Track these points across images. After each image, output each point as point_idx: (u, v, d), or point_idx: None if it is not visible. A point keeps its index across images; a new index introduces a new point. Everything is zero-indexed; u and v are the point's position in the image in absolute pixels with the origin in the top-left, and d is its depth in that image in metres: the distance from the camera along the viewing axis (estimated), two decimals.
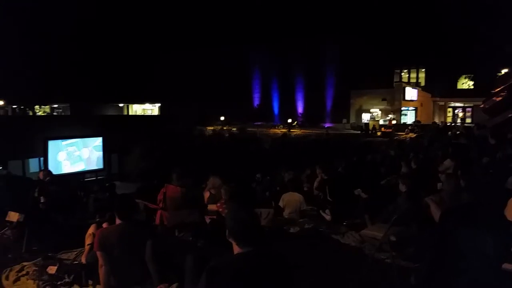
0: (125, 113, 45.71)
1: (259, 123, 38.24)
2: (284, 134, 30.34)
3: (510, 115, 11.33)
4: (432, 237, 3.93)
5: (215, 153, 20.02)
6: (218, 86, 39.24)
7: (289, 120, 36.80)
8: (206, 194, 6.41)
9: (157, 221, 4.96)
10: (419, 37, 32.65)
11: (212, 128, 33.97)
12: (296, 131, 33.45)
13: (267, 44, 41.11)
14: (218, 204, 5.92)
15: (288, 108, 41.93)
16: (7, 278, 3.96)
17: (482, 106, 14.21)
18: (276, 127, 36.08)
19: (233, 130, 31.74)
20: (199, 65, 39.27)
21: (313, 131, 32.12)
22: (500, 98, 12.52)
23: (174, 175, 5.20)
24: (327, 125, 37.07)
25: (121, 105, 45.65)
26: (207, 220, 5.40)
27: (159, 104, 45.68)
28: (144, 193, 6.76)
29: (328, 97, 41.34)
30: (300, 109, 43.26)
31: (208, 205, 5.95)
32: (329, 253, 5.24)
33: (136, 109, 47.61)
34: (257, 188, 9.93)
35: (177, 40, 40.99)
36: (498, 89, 13.06)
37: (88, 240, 4.23)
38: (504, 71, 15.67)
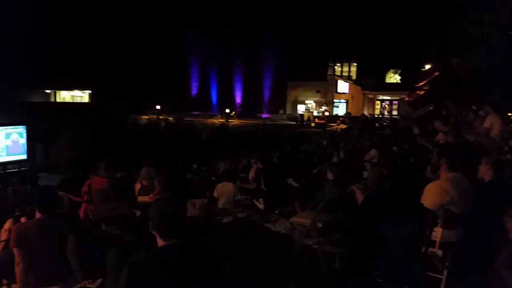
0: (52, 100, 43.03)
1: (196, 112, 37.76)
2: (222, 124, 30.27)
3: (431, 108, 12.13)
4: (355, 222, 4.14)
5: (151, 143, 19.47)
6: (154, 74, 38.03)
7: (227, 110, 36.76)
8: (137, 186, 6.22)
9: (81, 214, 4.72)
10: (351, 32, 33.99)
11: (147, 117, 32.95)
12: (234, 121, 33.52)
13: (205, 31, 40.51)
14: (151, 195, 5.78)
15: (226, 98, 41.84)
16: None
17: (406, 99, 15.14)
18: (214, 117, 35.90)
19: (170, 120, 31.04)
20: (133, 51, 37.72)
21: (251, 122, 32.40)
22: (422, 92, 13.39)
23: (101, 166, 4.98)
24: (264, 115, 37.57)
25: (48, 91, 42.85)
26: (137, 213, 5.25)
27: (90, 91, 43.43)
28: (68, 185, 6.40)
29: (265, 88, 41.83)
30: (238, 99, 43.34)
31: (139, 197, 5.78)
32: (260, 241, 5.34)
33: (64, 96, 44.95)
34: (193, 178, 9.85)
35: (110, 23, 38.92)
36: (422, 83, 13.97)
37: (3, 236, 3.97)
38: (427, 66, 16.85)
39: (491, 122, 6.58)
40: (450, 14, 14.53)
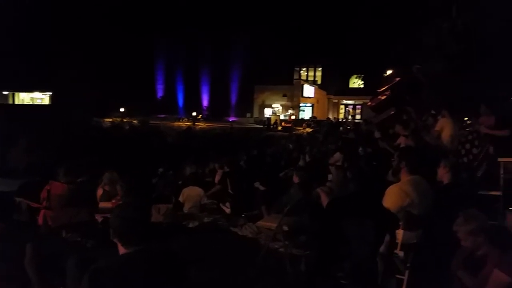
0: (10, 102, 41.18)
1: (162, 115, 37.21)
2: (189, 127, 29.99)
3: (392, 112, 12.46)
4: (320, 225, 4.19)
5: (114, 146, 19.00)
6: (118, 76, 37.13)
7: (194, 113, 36.46)
8: (99, 191, 6.03)
9: (40, 221, 4.51)
10: (316, 37, 34.60)
11: (110, 119, 32.15)
12: (201, 125, 33.28)
13: (172, 33, 40.05)
14: (113, 201, 5.61)
15: (193, 101, 41.47)
16: None
17: (369, 104, 15.49)
18: (181, 120, 35.48)
19: (134, 123, 30.41)
20: (97, 52, 36.67)
21: (218, 125, 32.30)
22: (384, 97, 13.75)
23: (61, 171, 4.77)
24: (231, 119, 37.51)
25: (5, 93, 40.98)
26: (99, 219, 5.09)
27: (50, 93, 41.84)
28: (26, 190, 6.10)
29: (233, 91, 41.81)
30: (205, 102, 43.06)
31: (101, 203, 5.60)
32: (227, 246, 5.31)
33: (24, 97, 43.12)
34: (158, 182, 9.70)
35: (72, 23, 37.66)
36: (383, 88, 14.35)
37: None
38: (389, 72, 17.41)
39: (442, 125, 6.79)
40: (410, 21, 15.10)
